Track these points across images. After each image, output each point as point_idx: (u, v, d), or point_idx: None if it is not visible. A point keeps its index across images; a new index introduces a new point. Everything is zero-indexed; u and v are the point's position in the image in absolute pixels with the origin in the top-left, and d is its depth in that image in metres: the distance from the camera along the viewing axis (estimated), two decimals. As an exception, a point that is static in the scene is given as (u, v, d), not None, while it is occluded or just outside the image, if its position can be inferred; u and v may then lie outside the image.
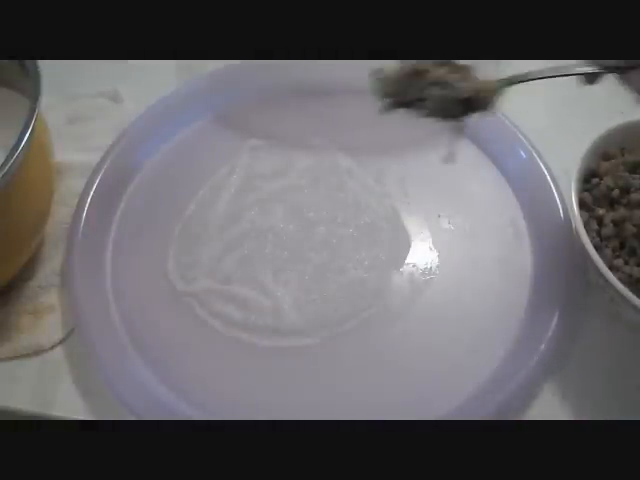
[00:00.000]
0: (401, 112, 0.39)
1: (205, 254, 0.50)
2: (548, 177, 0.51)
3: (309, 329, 0.46)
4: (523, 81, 0.39)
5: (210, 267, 0.49)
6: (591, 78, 0.38)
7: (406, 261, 0.49)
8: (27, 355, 0.46)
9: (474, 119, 0.40)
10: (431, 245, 0.50)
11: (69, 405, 0.43)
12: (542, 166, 0.52)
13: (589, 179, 0.48)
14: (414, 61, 0.38)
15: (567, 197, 0.47)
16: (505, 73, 0.40)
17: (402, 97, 0.38)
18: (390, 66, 0.39)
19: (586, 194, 0.47)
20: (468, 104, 0.38)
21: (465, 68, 0.38)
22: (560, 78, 0.40)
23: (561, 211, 0.49)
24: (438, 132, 0.44)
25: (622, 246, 0.45)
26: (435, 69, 0.38)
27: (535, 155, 0.52)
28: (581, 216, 0.44)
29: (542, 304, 0.46)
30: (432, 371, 0.44)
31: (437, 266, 0.49)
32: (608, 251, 0.44)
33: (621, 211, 0.46)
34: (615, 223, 0.45)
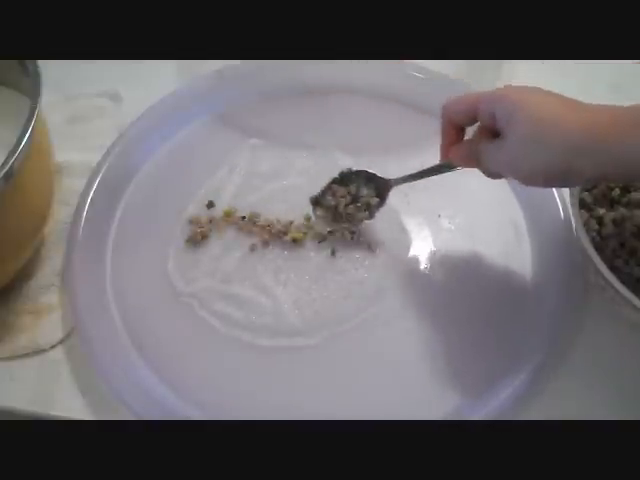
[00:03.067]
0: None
1: (205, 254, 0.50)
2: (548, 177, 0.51)
3: (309, 329, 0.46)
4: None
5: (210, 267, 0.49)
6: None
7: (406, 261, 0.49)
8: (27, 355, 0.46)
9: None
10: (431, 245, 0.50)
11: (69, 405, 0.43)
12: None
13: (589, 179, 0.48)
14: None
15: (567, 197, 0.47)
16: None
17: (338, 217, 0.51)
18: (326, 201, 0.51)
19: (586, 194, 0.47)
20: (367, 209, 0.50)
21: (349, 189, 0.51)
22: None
23: (561, 211, 0.49)
24: (438, 132, 0.44)
25: (622, 246, 0.45)
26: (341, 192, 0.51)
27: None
28: (581, 216, 0.44)
29: (542, 304, 0.46)
30: (432, 371, 0.44)
31: (437, 266, 0.49)
32: (608, 251, 0.44)
33: (621, 211, 0.46)
34: (615, 223, 0.45)
